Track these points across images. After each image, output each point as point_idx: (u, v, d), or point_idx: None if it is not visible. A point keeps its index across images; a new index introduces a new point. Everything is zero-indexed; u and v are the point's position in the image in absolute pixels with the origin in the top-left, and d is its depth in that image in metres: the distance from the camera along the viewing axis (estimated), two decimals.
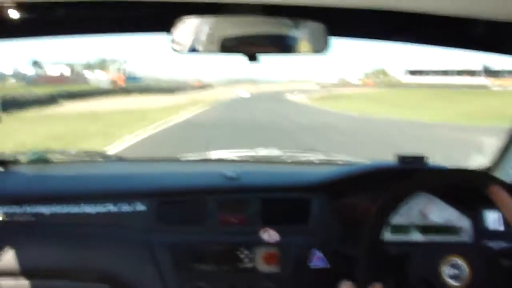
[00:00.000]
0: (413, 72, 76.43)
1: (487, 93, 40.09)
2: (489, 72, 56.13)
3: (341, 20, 1.16)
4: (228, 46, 1.12)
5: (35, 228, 1.45)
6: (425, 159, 1.55)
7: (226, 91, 60.32)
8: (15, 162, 1.72)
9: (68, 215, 1.47)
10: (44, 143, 10.83)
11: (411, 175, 1.14)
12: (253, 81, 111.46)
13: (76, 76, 53.78)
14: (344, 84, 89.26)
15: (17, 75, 48.42)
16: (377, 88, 65.03)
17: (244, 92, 53.10)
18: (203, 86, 71.78)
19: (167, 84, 61.23)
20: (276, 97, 44.33)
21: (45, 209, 1.46)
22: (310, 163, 1.96)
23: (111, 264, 1.43)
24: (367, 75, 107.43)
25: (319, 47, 1.13)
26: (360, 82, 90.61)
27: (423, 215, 1.48)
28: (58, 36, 1.26)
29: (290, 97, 46.93)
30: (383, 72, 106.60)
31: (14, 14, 1.09)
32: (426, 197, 1.48)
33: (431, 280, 1.15)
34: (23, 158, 1.78)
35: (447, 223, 1.48)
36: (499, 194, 1.05)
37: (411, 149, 7.58)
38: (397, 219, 1.45)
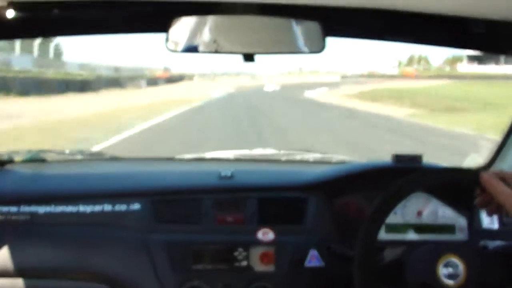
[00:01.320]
0: (477, 59, 56.83)
1: None
2: None
3: (337, 19, 1.16)
4: (224, 45, 1.12)
5: (30, 228, 1.45)
6: (420, 158, 1.55)
7: (204, 86, 41.87)
8: (10, 161, 1.72)
9: (63, 214, 1.46)
10: None
11: (407, 175, 1.14)
12: (247, 73, 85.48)
13: None
14: (376, 75, 69.25)
15: None
16: (436, 80, 44.32)
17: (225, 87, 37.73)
18: (172, 79, 54.33)
19: (94, 72, 36.45)
20: (299, 98, 26.43)
21: (40, 209, 1.46)
22: (305, 162, 1.97)
23: (106, 263, 1.42)
24: (401, 64, 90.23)
25: (316, 46, 1.14)
26: (396, 72, 71.65)
27: (419, 214, 1.48)
28: (53, 36, 1.25)
29: (315, 95, 28.70)
30: (425, 60, 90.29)
31: (10, 14, 1.09)
32: (421, 196, 1.48)
33: (427, 279, 1.15)
34: (18, 157, 1.78)
35: (442, 222, 1.49)
36: (490, 181, 1.05)
37: None
38: (393, 218, 1.46)
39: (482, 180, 1.06)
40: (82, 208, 1.47)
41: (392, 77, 61.39)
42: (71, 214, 1.46)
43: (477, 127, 11.63)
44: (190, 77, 68.58)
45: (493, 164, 1.72)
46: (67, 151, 1.96)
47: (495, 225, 1.51)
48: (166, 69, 65.15)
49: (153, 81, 44.48)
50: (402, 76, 61.93)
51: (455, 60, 74.85)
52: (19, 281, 1.41)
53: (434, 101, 21.21)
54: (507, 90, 27.71)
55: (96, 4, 1.09)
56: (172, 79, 53.76)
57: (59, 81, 25.14)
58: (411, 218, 1.48)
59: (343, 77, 67.39)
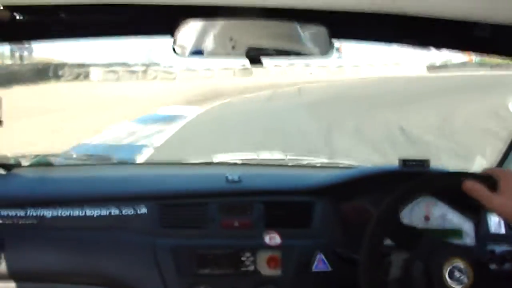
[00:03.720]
0: None
1: None
2: None
3: (343, 23, 1.16)
4: (231, 49, 1.12)
5: (37, 231, 1.45)
6: (427, 162, 1.54)
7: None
8: (17, 165, 1.72)
9: (70, 218, 1.47)
10: None
11: (413, 179, 1.14)
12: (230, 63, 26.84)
13: None
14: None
15: None
16: None
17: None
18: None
19: None
20: None
21: (47, 212, 1.46)
22: (312, 166, 1.96)
23: (113, 267, 1.42)
24: None
25: (322, 50, 1.13)
26: None
27: (426, 219, 1.48)
28: (60, 40, 1.26)
29: None
30: None
31: (16, 17, 1.09)
32: (428, 200, 1.48)
33: (433, 283, 1.14)
34: (25, 161, 1.79)
35: (450, 226, 1.48)
36: (474, 188, 1.06)
37: None
38: None
39: (464, 186, 1.06)
40: (89, 212, 1.47)
41: None
42: (77, 218, 1.47)
43: None
44: (84, 73, 27.28)
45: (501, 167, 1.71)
46: (74, 155, 1.97)
47: (502, 230, 1.50)
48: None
49: None
50: None
51: None
52: (27, 285, 1.41)
53: None
54: None
55: (101, 7, 1.09)
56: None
57: None
58: (419, 223, 1.47)
59: (432, 68, 36.37)
